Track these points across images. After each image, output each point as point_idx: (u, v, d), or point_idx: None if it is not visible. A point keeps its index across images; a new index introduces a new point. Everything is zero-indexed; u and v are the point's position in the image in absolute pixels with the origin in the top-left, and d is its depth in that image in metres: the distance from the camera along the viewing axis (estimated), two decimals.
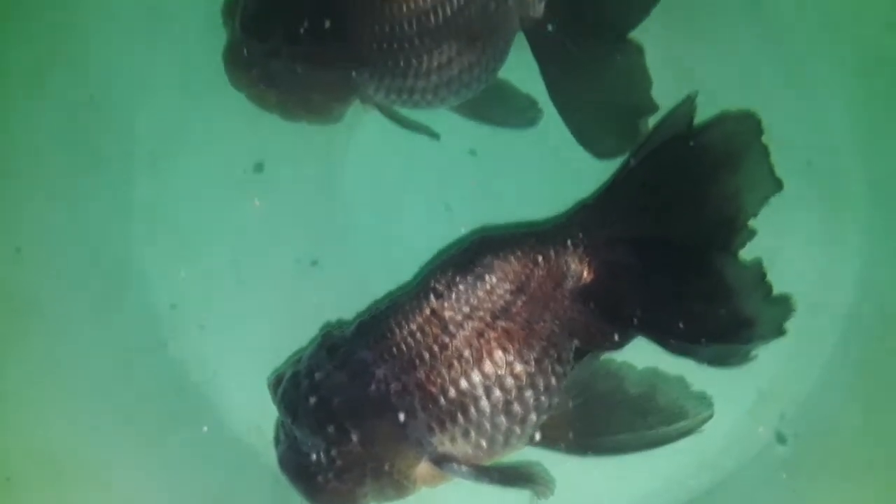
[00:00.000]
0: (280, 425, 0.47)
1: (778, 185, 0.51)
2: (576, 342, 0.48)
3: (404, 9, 0.51)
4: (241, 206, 0.56)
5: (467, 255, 0.48)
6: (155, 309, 0.55)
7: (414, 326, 0.46)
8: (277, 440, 0.47)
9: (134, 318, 0.55)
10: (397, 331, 0.46)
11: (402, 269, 0.53)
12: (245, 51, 0.52)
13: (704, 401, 0.48)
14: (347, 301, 0.52)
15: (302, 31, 0.51)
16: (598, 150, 0.55)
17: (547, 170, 0.57)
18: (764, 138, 0.51)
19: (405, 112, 0.55)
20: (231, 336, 0.54)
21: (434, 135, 0.56)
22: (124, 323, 0.54)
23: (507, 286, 0.46)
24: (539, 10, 0.54)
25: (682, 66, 0.57)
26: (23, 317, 0.54)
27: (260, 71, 0.52)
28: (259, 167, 0.57)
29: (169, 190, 0.56)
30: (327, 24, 0.51)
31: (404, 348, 0.45)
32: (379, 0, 0.51)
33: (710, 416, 0.47)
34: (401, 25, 0.52)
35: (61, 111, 0.56)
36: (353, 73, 0.52)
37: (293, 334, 0.52)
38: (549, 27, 0.55)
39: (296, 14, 0.51)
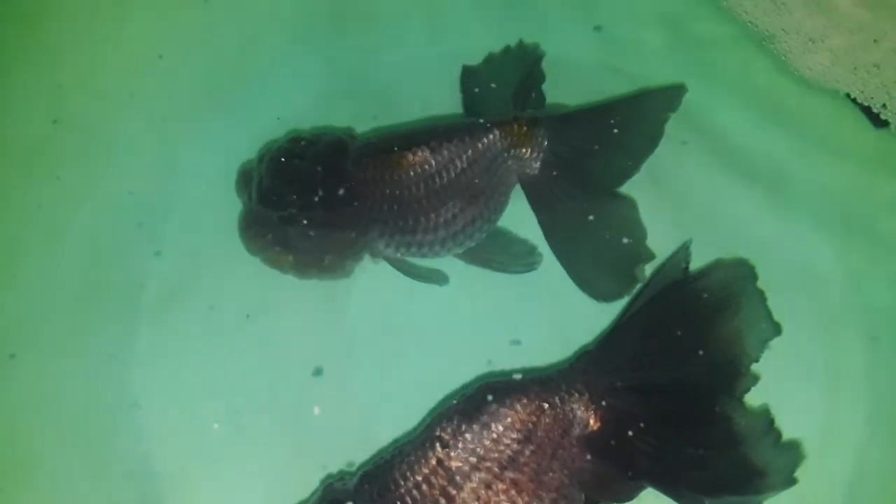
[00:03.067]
0: None
1: (776, 330, 0.51)
2: (585, 494, 0.46)
3: (412, 174, 0.54)
4: (241, 355, 0.56)
5: (473, 403, 0.47)
6: (151, 462, 0.53)
7: (420, 478, 0.44)
8: None
9: (129, 470, 0.52)
10: (402, 482, 0.44)
11: (405, 416, 0.52)
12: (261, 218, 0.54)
13: None
14: (350, 450, 0.51)
15: (315, 199, 0.53)
16: (598, 295, 0.56)
17: (548, 313, 0.57)
18: (759, 284, 0.52)
19: (413, 261, 0.57)
20: (232, 488, 0.52)
21: (443, 281, 0.57)
22: (119, 476, 0.52)
23: (515, 434, 0.45)
24: (535, 167, 0.57)
25: (673, 215, 0.58)
26: (21, 468, 0.52)
27: (275, 236, 0.54)
28: (253, 313, 0.56)
29: (170, 340, 0.56)
30: (340, 192, 0.53)
31: (409, 502, 0.43)
32: (387, 167, 0.54)
33: None
34: (409, 189, 0.54)
35: (73, 263, 0.57)
36: (365, 234, 0.54)
37: (294, 485, 0.50)
38: (545, 182, 0.57)
39: (309, 185, 0.53)
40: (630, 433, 0.47)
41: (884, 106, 0.63)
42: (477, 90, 0.60)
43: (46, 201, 0.59)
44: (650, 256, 0.56)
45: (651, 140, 0.58)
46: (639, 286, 0.55)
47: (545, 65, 0.61)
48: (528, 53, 0.61)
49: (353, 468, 0.51)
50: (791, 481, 0.47)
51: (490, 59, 0.62)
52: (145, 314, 0.56)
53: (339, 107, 0.61)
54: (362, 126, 0.60)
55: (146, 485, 0.52)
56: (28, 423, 0.54)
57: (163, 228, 0.59)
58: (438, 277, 0.56)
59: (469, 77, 0.61)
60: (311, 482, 0.50)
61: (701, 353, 0.50)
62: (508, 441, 0.45)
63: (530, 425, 0.46)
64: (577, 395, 0.48)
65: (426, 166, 0.54)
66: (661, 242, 0.56)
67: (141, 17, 0.65)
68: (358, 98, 0.62)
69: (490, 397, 0.47)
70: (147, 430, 0.54)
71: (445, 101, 0.61)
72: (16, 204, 0.59)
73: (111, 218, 0.59)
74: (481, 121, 0.57)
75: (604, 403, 0.48)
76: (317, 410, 0.53)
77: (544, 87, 0.61)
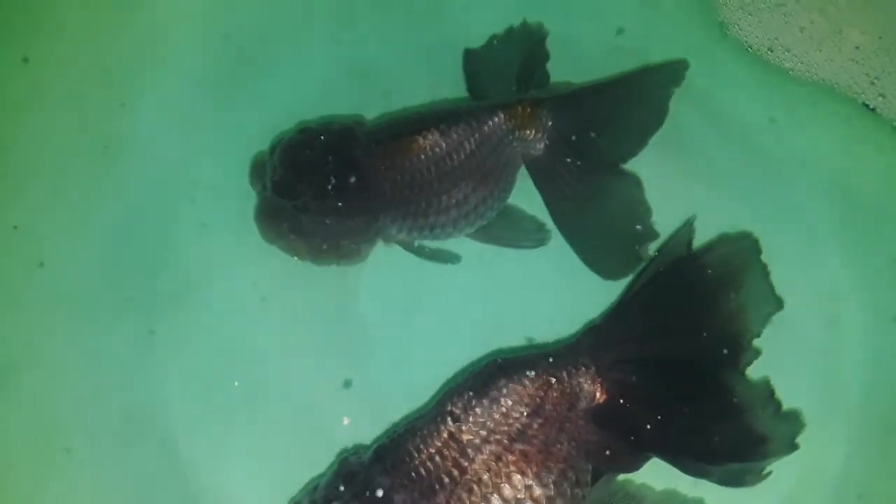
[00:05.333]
0: None
1: (779, 304, 0.53)
2: (592, 464, 0.48)
3: (422, 157, 0.56)
4: (258, 335, 0.58)
5: (482, 378, 0.48)
6: (175, 441, 0.55)
7: (433, 450, 0.46)
8: None
9: (155, 450, 0.55)
10: (416, 455, 0.46)
11: (418, 393, 0.53)
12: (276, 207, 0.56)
13: None
14: (364, 426, 0.53)
15: (328, 187, 0.54)
16: (604, 272, 0.58)
17: (556, 289, 0.59)
18: (762, 257, 0.54)
19: (424, 242, 0.58)
20: (248, 465, 0.54)
21: (455, 259, 0.58)
22: (145, 456, 0.55)
23: (523, 409, 0.47)
24: (539, 148, 0.58)
25: (679, 194, 0.59)
26: (52, 453, 0.55)
27: (291, 224, 0.55)
28: (268, 298, 0.58)
29: (189, 323, 0.58)
30: (352, 179, 0.55)
31: (423, 473, 0.45)
32: (397, 153, 0.55)
33: None
34: (420, 172, 0.56)
35: (95, 249, 0.59)
36: (379, 219, 0.56)
37: (310, 460, 0.52)
38: (549, 163, 0.58)
39: (322, 174, 0.55)
40: (635, 405, 0.49)
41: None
42: (481, 72, 0.61)
43: (67, 193, 0.61)
44: (655, 235, 0.57)
45: (656, 117, 0.59)
46: (643, 264, 0.56)
47: (549, 43, 0.61)
48: (531, 33, 0.61)
49: (368, 443, 0.52)
50: (793, 447, 0.49)
51: (493, 41, 0.62)
52: (166, 300, 0.58)
53: (345, 92, 0.62)
54: (369, 112, 0.61)
55: (169, 462, 0.54)
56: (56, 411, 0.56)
57: (178, 218, 0.60)
58: (449, 257, 0.58)
59: (472, 60, 0.62)
60: (325, 457, 0.52)
61: (704, 327, 0.51)
62: (517, 415, 0.47)
63: (538, 399, 0.48)
64: (583, 369, 0.49)
65: (435, 150, 0.55)
66: (665, 219, 0.57)
67: (151, 7, 0.66)
68: (364, 83, 0.63)
69: (499, 373, 0.49)
70: (168, 410, 0.56)
71: (451, 84, 0.61)
72: (40, 195, 0.61)
73: (128, 209, 0.60)
74: (486, 104, 0.58)
75: (609, 377, 0.49)
76: (346, 421, 0.55)
77: (549, 65, 0.61)
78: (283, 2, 0.66)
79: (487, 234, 0.59)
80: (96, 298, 0.58)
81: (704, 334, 0.51)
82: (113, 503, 0.54)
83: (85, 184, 0.61)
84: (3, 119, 0.62)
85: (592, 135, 0.58)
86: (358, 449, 0.50)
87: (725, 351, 0.51)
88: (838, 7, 0.65)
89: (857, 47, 0.64)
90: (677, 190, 0.59)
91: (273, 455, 0.55)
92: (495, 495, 0.45)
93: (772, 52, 0.64)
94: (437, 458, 0.46)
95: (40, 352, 0.57)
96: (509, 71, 0.60)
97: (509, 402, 0.47)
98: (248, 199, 0.57)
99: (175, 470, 0.54)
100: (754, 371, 0.52)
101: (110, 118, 0.62)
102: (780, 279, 0.53)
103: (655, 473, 0.49)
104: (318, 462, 0.52)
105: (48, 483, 0.55)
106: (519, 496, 0.45)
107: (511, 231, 0.59)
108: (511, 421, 0.47)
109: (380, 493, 0.45)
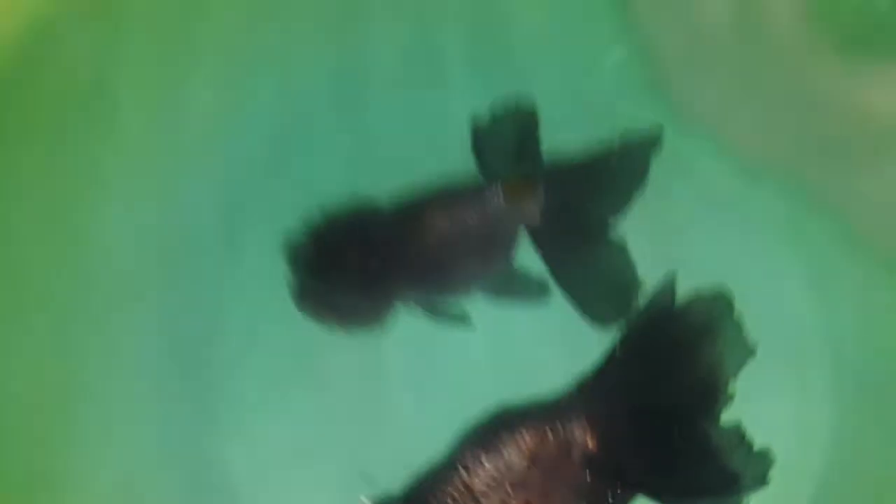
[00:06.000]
0: None
1: (752, 352, 0.59)
2: (587, 499, 0.56)
3: (432, 237, 0.64)
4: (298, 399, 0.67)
5: (488, 433, 0.57)
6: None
7: (449, 499, 0.54)
8: None
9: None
10: (433, 502, 0.55)
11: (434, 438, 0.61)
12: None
13: None
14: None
15: (354, 271, 0.63)
16: (598, 322, 0.65)
17: (556, 340, 0.66)
18: (735, 313, 0.60)
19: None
20: None
21: (467, 322, 0.66)
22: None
23: (524, 460, 0.55)
24: (536, 217, 0.66)
25: (662, 250, 0.66)
26: None
27: (321, 301, 0.64)
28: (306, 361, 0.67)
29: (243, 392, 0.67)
30: (372, 263, 0.63)
31: None
32: (410, 235, 0.64)
33: None
34: (430, 250, 0.64)
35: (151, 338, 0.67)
36: (396, 295, 0.65)
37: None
38: (545, 229, 0.66)
39: (345, 259, 0.63)
40: (623, 451, 0.57)
41: None
42: (486, 149, 0.69)
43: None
44: (641, 287, 0.64)
45: (639, 179, 0.67)
46: (632, 313, 0.63)
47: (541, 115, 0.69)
48: (522, 109, 0.69)
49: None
50: (764, 481, 0.56)
51: (495, 121, 0.69)
52: (221, 366, 0.67)
53: (362, 173, 0.70)
54: (384, 184, 0.69)
55: None
56: None
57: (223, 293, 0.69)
58: (462, 318, 0.66)
59: (478, 138, 0.69)
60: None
61: (685, 377, 0.59)
62: (518, 465, 0.55)
63: (536, 451, 0.55)
64: (575, 420, 0.57)
65: (442, 229, 0.64)
66: (650, 275, 0.64)
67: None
68: (378, 164, 0.71)
69: (501, 427, 0.57)
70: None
71: (456, 159, 0.69)
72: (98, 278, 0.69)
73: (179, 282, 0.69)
74: (486, 182, 0.66)
75: (599, 425, 0.57)
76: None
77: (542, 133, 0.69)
78: (313, 89, 0.74)
79: (494, 293, 0.67)
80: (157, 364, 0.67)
81: (685, 384, 0.59)
82: None
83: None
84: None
85: (583, 202, 0.66)
86: (382, 497, 0.59)
87: (703, 398, 0.58)
88: None
89: None
90: (659, 248, 0.66)
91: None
92: None
93: None
94: None
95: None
96: (509, 147, 0.68)
97: (511, 454, 0.55)
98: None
99: None
100: (729, 412, 0.58)
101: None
102: (752, 327, 0.60)
103: None
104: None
105: None
106: None
107: (515, 290, 0.67)
108: (513, 471, 0.55)
109: None
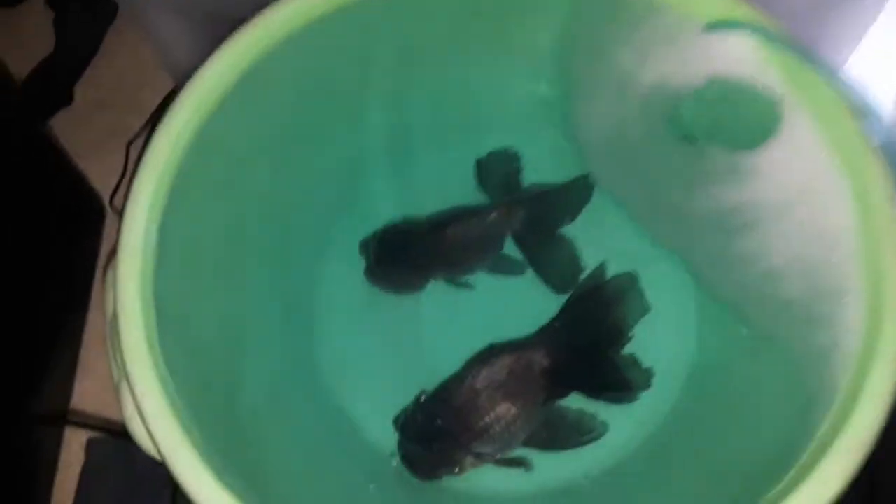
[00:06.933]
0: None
1: (647, 309, 0.90)
2: (543, 395, 0.79)
3: (451, 238, 0.87)
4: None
5: (484, 357, 0.81)
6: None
7: (462, 391, 0.78)
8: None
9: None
10: (455, 393, 0.81)
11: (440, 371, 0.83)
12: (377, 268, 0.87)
13: (600, 422, 0.80)
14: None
15: (405, 260, 0.87)
16: (557, 290, 0.87)
17: (529, 304, 0.87)
18: (639, 287, 0.85)
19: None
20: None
21: (473, 288, 0.88)
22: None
23: (506, 371, 0.79)
24: (518, 227, 0.88)
25: (600, 243, 0.88)
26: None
27: (385, 278, 0.87)
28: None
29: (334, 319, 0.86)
30: (416, 257, 0.86)
31: (460, 400, 0.78)
32: (439, 241, 0.87)
33: (604, 432, 0.80)
34: (452, 248, 0.87)
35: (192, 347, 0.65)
36: (430, 274, 0.87)
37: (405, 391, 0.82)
38: (523, 232, 0.89)
39: (402, 254, 0.86)
40: (565, 367, 0.80)
41: None
42: (488, 178, 0.91)
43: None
44: (582, 270, 0.88)
45: (580, 204, 0.93)
46: (576, 286, 0.86)
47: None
48: (510, 156, 0.97)
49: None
50: (648, 386, 0.82)
51: (492, 157, 0.96)
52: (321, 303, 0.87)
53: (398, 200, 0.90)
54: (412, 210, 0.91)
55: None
56: None
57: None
58: (470, 286, 0.88)
59: (481, 169, 0.92)
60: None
61: (605, 324, 0.83)
62: (503, 374, 0.79)
63: (514, 367, 0.79)
64: (539, 350, 0.81)
65: (459, 235, 0.87)
66: (588, 262, 0.88)
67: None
68: (409, 192, 0.91)
69: (492, 354, 0.81)
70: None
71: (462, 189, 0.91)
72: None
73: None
74: (486, 206, 0.88)
75: (552, 352, 0.80)
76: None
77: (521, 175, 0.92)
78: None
79: (491, 270, 0.90)
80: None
81: (605, 328, 0.83)
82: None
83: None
84: None
85: (547, 215, 0.89)
86: (425, 392, 0.81)
87: (615, 337, 0.83)
88: None
89: None
90: (595, 246, 0.89)
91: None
92: (492, 412, 0.76)
93: None
94: (465, 395, 0.78)
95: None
96: (501, 181, 0.91)
97: (498, 367, 0.79)
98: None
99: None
100: (628, 347, 0.83)
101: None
102: (650, 295, 0.85)
103: (572, 400, 0.81)
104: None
105: None
106: (506, 412, 0.77)
107: (503, 268, 0.89)
108: (499, 378, 0.78)
109: (439, 411, 0.85)
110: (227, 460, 0.53)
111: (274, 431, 0.69)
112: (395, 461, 0.78)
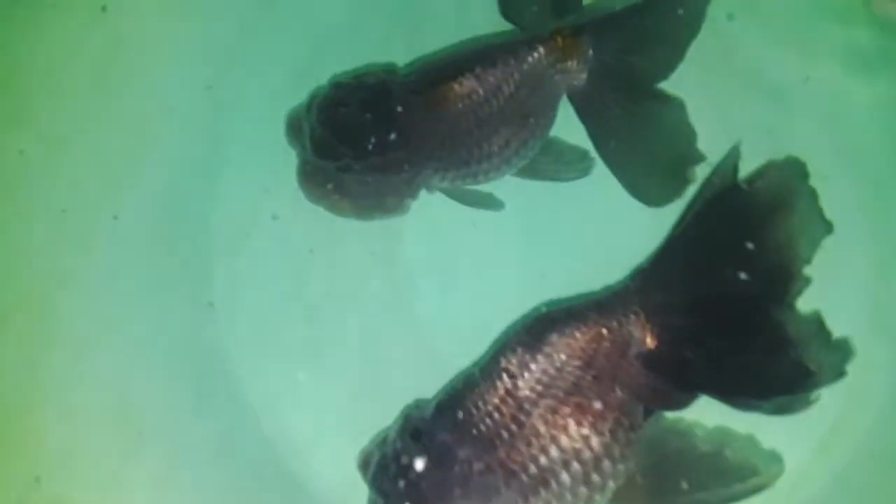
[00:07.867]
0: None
1: (829, 228, 0.53)
2: (644, 406, 0.51)
3: (460, 105, 0.56)
4: (309, 285, 0.61)
5: (534, 334, 0.51)
6: (246, 396, 0.60)
7: (491, 407, 0.49)
8: None
9: (227, 404, 0.60)
10: (475, 412, 0.49)
11: (469, 341, 0.56)
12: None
13: (775, 456, 0.50)
14: (419, 377, 0.56)
15: (369, 147, 0.55)
16: (651, 200, 0.59)
17: (601, 225, 0.60)
18: (811, 181, 0.54)
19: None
20: (317, 417, 0.59)
21: (500, 206, 0.59)
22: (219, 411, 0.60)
23: (576, 363, 0.50)
24: (582, 78, 0.58)
25: (723, 112, 0.60)
26: (133, 426, 0.59)
27: (334, 185, 0.56)
28: (315, 249, 0.61)
29: (243, 277, 0.62)
30: (392, 136, 0.55)
31: (483, 428, 0.49)
32: (435, 103, 0.55)
33: (781, 472, 0.50)
34: (459, 122, 0.56)
35: (144, 214, 0.62)
36: (421, 173, 0.57)
37: (372, 410, 0.56)
38: (592, 92, 0.58)
39: (360, 133, 0.55)
40: (685, 347, 0.51)
41: None
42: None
43: (110, 153, 0.63)
44: (700, 157, 0.57)
45: (693, 23, 0.58)
46: (691, 189, 0.57)
47: None
48: None
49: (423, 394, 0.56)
50: (841, 374, 0.51)
51: None
52: (219, 256, 0.62)
53: (372, 28, 0.62)
54: (397, 46, 0.61)
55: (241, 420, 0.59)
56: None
57: (219, 175, 0.63)
58: (493, 203, 0.59)
59: None
60: (384, 410, 0.55)
61: (754, 259, 0.52)
62: (570, 369, 0.50)
63: (590, 352, 0.50)
64: (633, 316, 0.51)
65: (474, 96, 0.56)
66: (711, 142, 0.57)
67: None
68: (391, 13, 0.63)
69: (550, 327, 0.51)
70: (228, 363, 0.60)
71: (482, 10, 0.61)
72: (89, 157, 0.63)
73: (171, 169, 0.62)
74: (522, 38, 0.57)
75: (659, 320, 0.52)
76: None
77: None
78: None
79: (530, 170, 0.59)
80: (154, 252, 0.61)
81: (754, 267, 0.52)
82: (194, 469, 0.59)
83: (125, 140, 0.64)
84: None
85: (634, 57, 0.58)
86: (419, 403, 0.53)
87: (775, 283, 0.52)
88: None
89: None
90: (721, 112, 0.59)
91: (339, 407, 0.59)
92: (553, 446, 0.48)
93: None
94: (496, 415, 0.49)
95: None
96: None
97: (563, 357, 0.50)
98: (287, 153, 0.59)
99: (247, 426, 0.59)
100: (805, 298, 0.53)
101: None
102: (830, 203, 0.53)
103: (706, 410, 0.51)
104: (383, 411, 0.55)
105: (128, 461, 0.59)
106: (576, 445, 0.48)
107: (554, 164, 0.60)
108: (565, 375, 0.50)
109: (445, 448, 0.49)
110: None
111: None
112: None
